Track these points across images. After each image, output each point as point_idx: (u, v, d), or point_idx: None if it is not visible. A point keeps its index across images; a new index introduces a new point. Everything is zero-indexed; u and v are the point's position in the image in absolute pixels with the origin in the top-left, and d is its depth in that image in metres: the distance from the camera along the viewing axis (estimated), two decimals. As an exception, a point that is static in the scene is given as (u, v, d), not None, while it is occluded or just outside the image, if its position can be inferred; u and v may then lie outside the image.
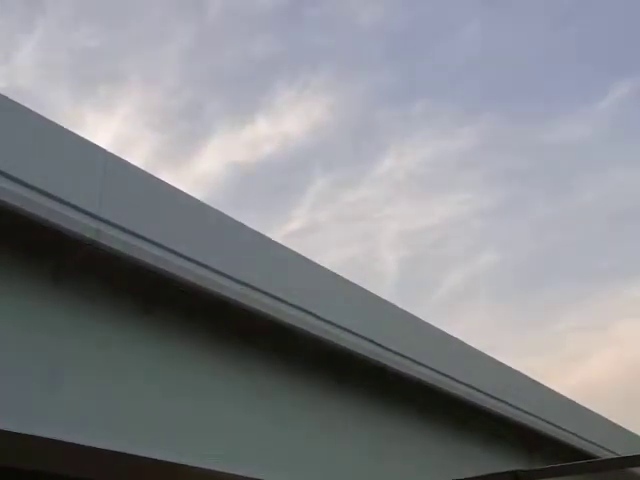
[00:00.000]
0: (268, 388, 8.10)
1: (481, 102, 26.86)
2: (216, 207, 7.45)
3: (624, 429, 14.65)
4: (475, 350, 10.87)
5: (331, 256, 26.03)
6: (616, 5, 24.57)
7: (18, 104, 5.88)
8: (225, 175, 25.28)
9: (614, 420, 14.32)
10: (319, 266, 8.55)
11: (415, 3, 23.84)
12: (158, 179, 6.98)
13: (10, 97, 5.88)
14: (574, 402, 13.15)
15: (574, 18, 24.81)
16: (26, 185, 5.71)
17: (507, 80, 26.21)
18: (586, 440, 12.78)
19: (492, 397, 10.55)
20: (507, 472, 3.97)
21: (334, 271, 8.73)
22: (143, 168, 6.84)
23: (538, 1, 24.15)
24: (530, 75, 26.37)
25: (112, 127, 22.99)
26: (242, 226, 7.69)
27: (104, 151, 6.46)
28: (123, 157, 6.65)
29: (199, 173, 24.80)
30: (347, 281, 8.89)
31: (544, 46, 25.48)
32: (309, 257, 8.40)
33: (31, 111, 5.96)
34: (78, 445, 6.19)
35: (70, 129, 6.26)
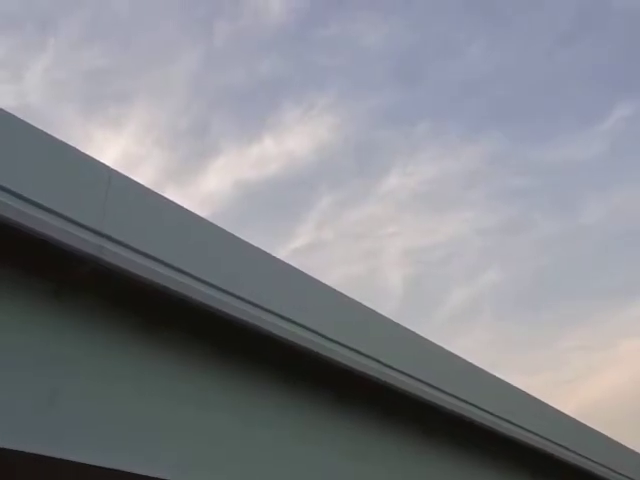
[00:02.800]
0: (269, 406, 8.07)
1: (485, 122, 26.98)
2: (222, 224, 7.45)
3: (631, 450, 14.53)
4: (478, 368, 10.82)
5: (335, 273, 26.07)
6: (619, 26, 24.70)
7: (19, 119, 5.88)
8: (231, 193, 25.39)
9: (619, 441, 14.22)
10: (323, 284, 8.54)
11: (420, 24, 24.03)
12: (162, 196, 6.96)
13: (18, 114, 5.88)
14: (579, 422, 13.05)
15: (577, 39, 24.95)
16: (28, 201, 5.71)
17: (511, 100, 26.34)
18: (593, 461, 12.68)
19: (495, 416, 10.49)
20: None
21: (338, 288, 8.74)
22: (150, 185, 6.84)
23: (541, 22, 24.31)
24: (533, 95, 26.49)
25: (120, 145, 23.15)
26: (246, 244, 7.68)
27: (107, 167, 6.46)
28: (131, 174, 6.66)
29: (205, 191, 24.92)
30: (351, 299, 8.88)
31: (547, 66, 25.61)
32: (314, 274, 8.41)
33: (33, 126, 5.96)
34: (75, 463, 6.14)
35: (76, 145, 6.27)
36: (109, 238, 6.23)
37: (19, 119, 5.90)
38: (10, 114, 5.85)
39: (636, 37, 24.66)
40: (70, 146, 6.24)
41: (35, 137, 5.99)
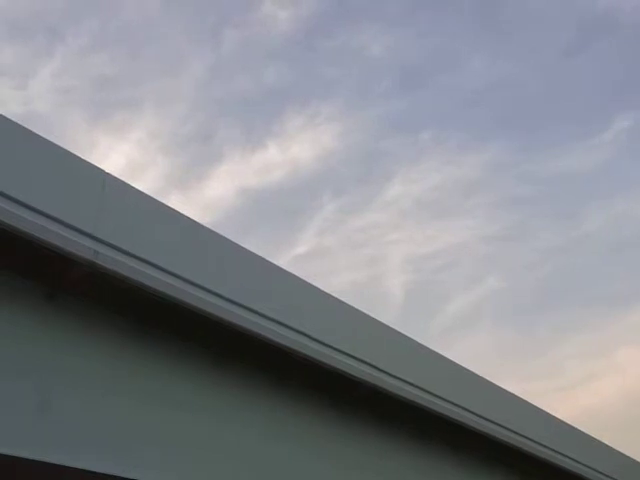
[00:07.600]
0: (264, 408, 8.08)
1: (487, 131, 27.08)
2: (226, 231, 7.46)
3: (626, 456, 14.53)
4: (473, 374, 10.83)
5: (338, 280, 26.13)
6: (620, 38, 24.78)
7: (15, 123, 5.88)
8: (234, 200, 25.47)
9: (615, 447, 14.22)
10: (320, 290, 8.55)
11: (424, 35, 24.15)
12: (157, 200, 6.97)
13: (25, 121, 5.90)
14: (574, 427, 13.06)
15: (578, 51, 25.04)
16: (23, 204, 5.71)
17: (513, 110, 26.43)
18: (586, 466, 12.67)
19: (489, 421, 10.49)
20: None
21: (339, 295, 8.77)
22: (155, 192, 6.87)
23: (543, 34, 24.41)
24: (535, 105, 26.57)
25: (125, 151, 23.26)
26: (242, 248, 7.68)
27: (102, 171, 6.46)
28: (135, 181, 6.68)
29: (209, 197, 25.01)
30: (348, 305, 8.89)
31: (549, 77, 25.69)
32: (315, 281, 8.45)
33: (28, 130, 5.96)
34: (68, 467, 6.13)
35: (82, 152, 6.27)
36: (104, 242, 6.23)
37: (15, 123, 5.89)
38: (5, 117, 5.84)
39: (636, 50, 24.75)
40: (65, 150, 6.23)
41: (30, 141, 5.98)
